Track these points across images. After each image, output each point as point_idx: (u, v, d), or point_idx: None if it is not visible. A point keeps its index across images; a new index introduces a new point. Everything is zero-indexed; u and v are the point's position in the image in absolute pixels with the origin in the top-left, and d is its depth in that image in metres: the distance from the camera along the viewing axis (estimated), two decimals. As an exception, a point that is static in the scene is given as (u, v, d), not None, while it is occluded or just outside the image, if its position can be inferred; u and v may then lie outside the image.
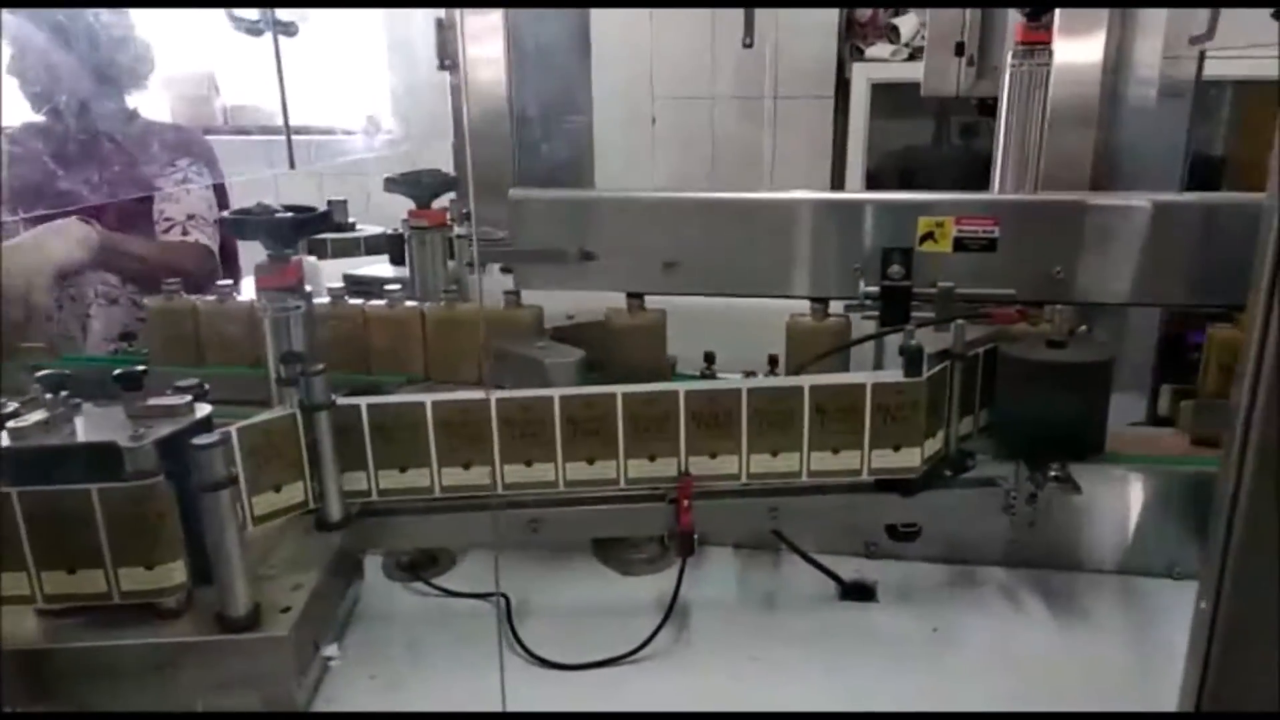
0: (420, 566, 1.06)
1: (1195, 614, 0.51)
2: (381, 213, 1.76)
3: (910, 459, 0.92)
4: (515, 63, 1.49)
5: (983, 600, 1.02)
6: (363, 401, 0.89)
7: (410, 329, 1.22)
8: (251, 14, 1.26)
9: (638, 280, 1.14)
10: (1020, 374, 0.95)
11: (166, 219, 1.96)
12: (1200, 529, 0.57)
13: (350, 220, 1.79)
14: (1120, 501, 1.04)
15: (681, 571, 0.97)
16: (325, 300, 1.25)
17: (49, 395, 0.78)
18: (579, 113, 1.73)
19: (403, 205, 1.48)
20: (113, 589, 0.75)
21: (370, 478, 0.91)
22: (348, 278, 1.55)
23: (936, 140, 3.26)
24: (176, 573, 0.75)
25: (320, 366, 0.86)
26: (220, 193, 2.10)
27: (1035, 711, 0.86)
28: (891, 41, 3.14)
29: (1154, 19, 1.46)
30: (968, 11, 1.83)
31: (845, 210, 1.10)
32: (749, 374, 1.09)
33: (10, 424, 0.75)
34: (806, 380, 0.92)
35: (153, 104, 2.14)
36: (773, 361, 1.14)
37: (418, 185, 1.37)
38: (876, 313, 1.09)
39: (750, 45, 1.66)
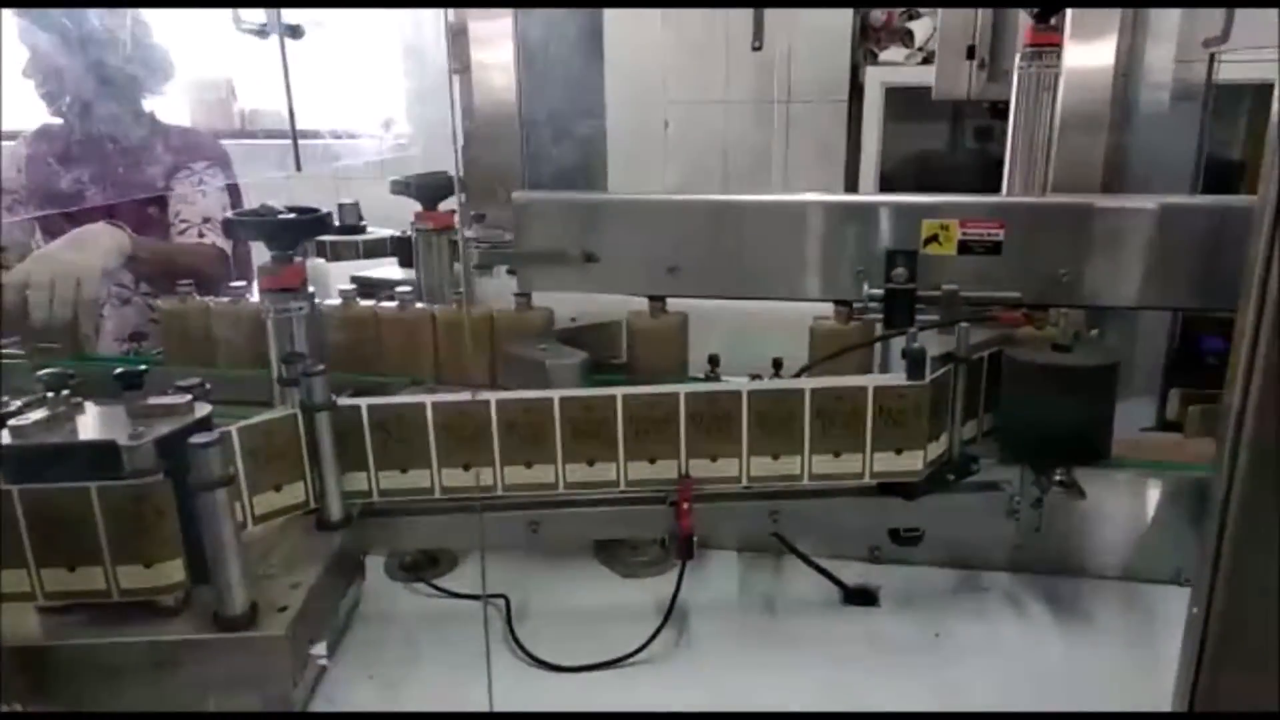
0: (421, 568, 1.07)
1: (1188, 618, 0.51)
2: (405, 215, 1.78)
3: (913, 462, 0.91)
4: (525, 67, 1.49)
5: (986, 606, 1.01)
6: (363, 402, 0.90)
7: (421, 331, 1.22)
8: (258, 16, 1.26)
9: (641, 282, 1.14)
10: (1024, 377, 0.94)
11: (182, 221, 1.98)
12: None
13: (361, 223, 1.80)
14: (1126, 507, 1.03)
15: (681, 574, 0.96)
16: (336, 302, 1.26)
17: (50, 394, 0.78)
18: (591, 117, 1.73)
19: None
20: (111, 586, 0.75)
21: (371, 478, 0.91)
22: (356, 280, 1.55)
23: (951, 144, 3.25)
24: (175, 571, 0.76)
25: (320, 367, 0.86)
26: (235, 195, 2.12)
27: (1036, 713, 0.85)
28: (905, 45, 3.13)
29: (1167, 23, 1.45)
30: (979, 15, 1.82)
31: (849, 212, 1.09)
32: (755, 377, 1.08)
33: (11, 422, 0.75)
34: (808, 383, 0.91)
35: (172, 108, 2.17)
36: (777, 364, 1.14)
37: (423, 188, 1.38)
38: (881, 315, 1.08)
39: (759, 48, 1.67)
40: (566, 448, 0.91)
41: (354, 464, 0.91)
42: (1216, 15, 1.52)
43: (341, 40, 2.01)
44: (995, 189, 1.70)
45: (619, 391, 0.91)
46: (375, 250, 1.48)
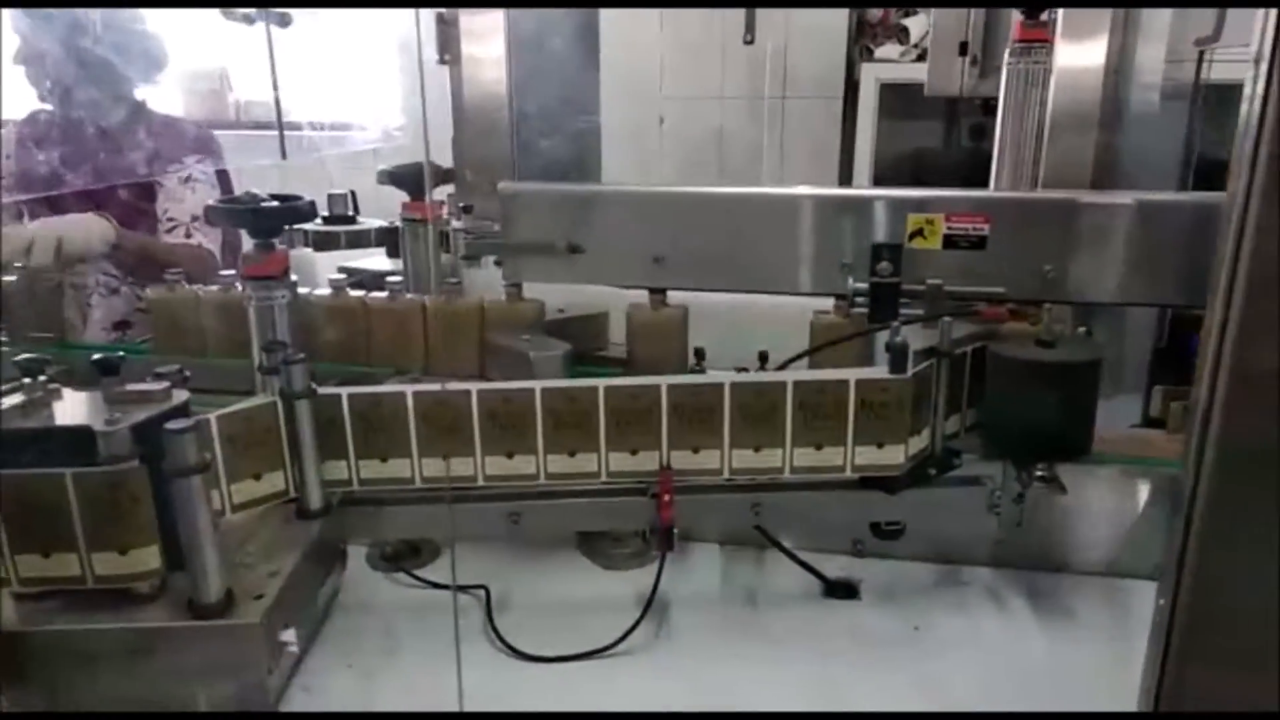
0: (404, 557, 1.06)
1: (1155, 610, 0.51)
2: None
3: (894, 456, 0.91)
4: (516, 60, 1.49)
5: (966, 600, 1.01)
6: (343, 391, 0.89)
7: (411, 321, 1.22)
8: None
9: (626, 274, 1.14)
10: (1007, 372, 0.94)
11: (170, 219, 1.96)
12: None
13: (353, 213, 1.80)
14: (1107, 502, 1.03)
15: (661, 566, 0.96)
16: (327, 292, 1.25)
17: (27, 379, 0.78)
18: (586, 111, 1.73)
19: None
20: (87, 573, 0.75)
21: (351, 467, 0.91)
22: (344, 270, 1.55)
23: (946, 142, 3.25)
24: (150, 558, 0.75)
25: (301, 355, 0.86)
26: (226, 185, 2.11)
27: (1020, 712, 0.85)
28: (901, 42, 3.13)
29: (1158, 23, 1.45)
30: (971, 12, 1.82)
31: (834, 206, 1.09)
32: (741, 370, 1.08)
33: (-14, 407, 0.75)
34: (790, 375, 0.91)
35: (166, 99, 2.16)
36: (763, 358, 1.14)
37: (407, 178, 1.38)
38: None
39: (751, 41, 1.67)
40: (548, 438, 0.90)
41: (334, 453, 0.90)
42: (1208, 15, 1.53)
43: (334, 31, 2.01)
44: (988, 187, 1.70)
45: (601, 382, 0.90)
46: (360, 240, 1.47)
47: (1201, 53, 1.48)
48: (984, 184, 1.66)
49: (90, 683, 0.76)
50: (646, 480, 0.92)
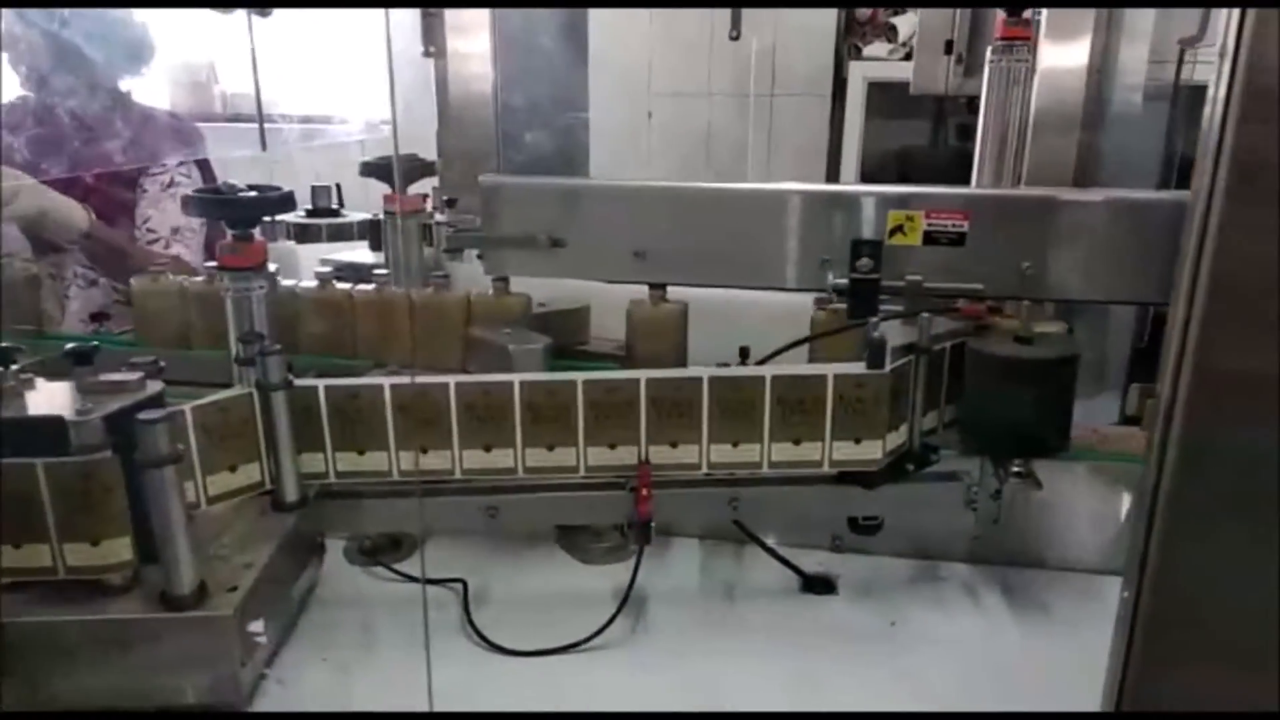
0: (383, 551, 1.06)
1: (1119, 603, 0.51)
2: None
3: (872, 451, 0.92)
4: (503, 54, 1.48)
5: (943, 596, 1.02)
6: (320, 383, 0.89)
7: (396, 314, 1.21)
8: (228, -7, 1.25)
9: (608, 268, 1.14)
10: (984, 368, 0.94)
11: (150, 229, 1.92)
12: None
13: (336, 206, 1.79)
14: (1083, 499, 1.03)
15: (639, 560, 0.96)
16: (313, 284, 1.25)
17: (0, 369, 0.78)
18: (573, 107, 1.72)
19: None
20: (58, 564, 0.75)
21: (328, 460, 0.91)
22: (325, 262, 1.55)
23: (933, 141, 3.25)
24: (123, 549, 0.75)
25: (277, 346, 0.86)
26: (210, 181, 2.08)
27: (999, 712, 0.85)
28: (889, 40, 3.14)
29: (1141, 23, 1.46)
30: (957, 11, 1.83)
31: (815, 202, 1.09)
32: (722, 365, 1.08)
33: (-43, 397, 0.75)
34: (768, 370, 0.91)
35: (151, 90, 2.14)
36: (743, 353, 1.14)
37: (389, 170, 1.37)
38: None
39: (737, 37, 1.67)
40: (526, 432, 0.90)
41: (311, 445, 0.90)
42: (1193, 15, 1.53)
43: (318, 23, 2.00)
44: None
45: (579, 376, 0.90)
46: (342, 233, 1.47)
47: (1182, 53, 1.48)
48: (969, 182, 1.66)
49: (63, 675, 0.76)
50: (625, 474, 0.92)
